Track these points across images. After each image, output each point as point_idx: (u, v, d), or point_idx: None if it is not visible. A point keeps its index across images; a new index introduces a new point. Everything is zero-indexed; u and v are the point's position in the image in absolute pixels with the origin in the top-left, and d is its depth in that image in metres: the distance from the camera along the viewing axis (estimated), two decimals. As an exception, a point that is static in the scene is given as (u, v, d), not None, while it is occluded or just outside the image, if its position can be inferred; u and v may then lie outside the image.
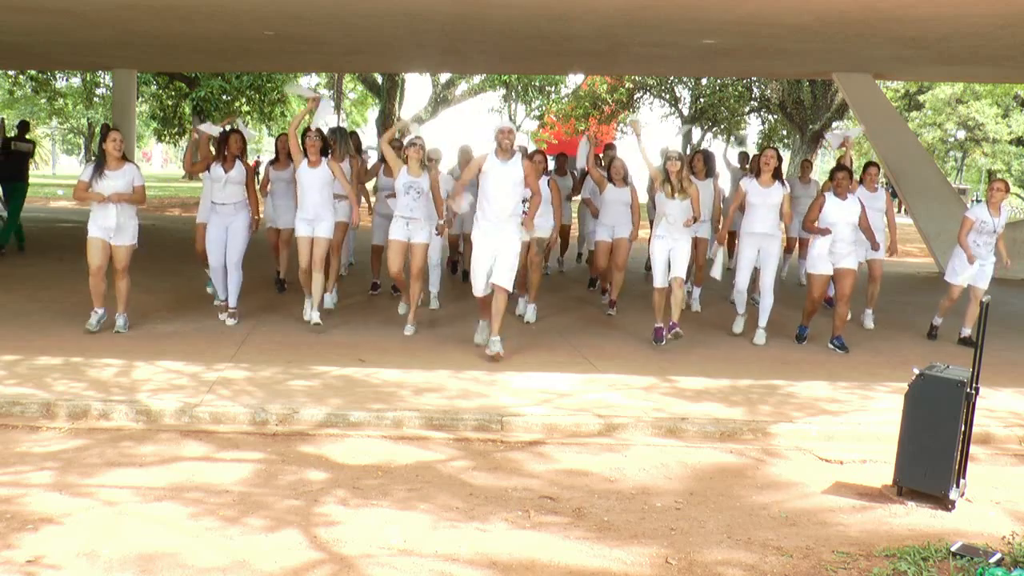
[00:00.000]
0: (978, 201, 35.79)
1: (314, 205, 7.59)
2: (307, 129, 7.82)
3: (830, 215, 7.64)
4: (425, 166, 7.62)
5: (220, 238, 7.74)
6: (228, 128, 7.98)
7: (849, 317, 8.20)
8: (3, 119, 12.78)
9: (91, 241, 7.14)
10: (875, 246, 8.18)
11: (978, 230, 7.99)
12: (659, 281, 7.57)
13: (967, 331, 8.24)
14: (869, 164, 9.01)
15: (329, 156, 7.71)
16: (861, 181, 8.75)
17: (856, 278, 7.89)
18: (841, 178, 7.69)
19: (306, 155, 7.60)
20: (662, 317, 7.60)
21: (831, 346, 7.84)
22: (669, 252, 7.52)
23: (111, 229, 7.09)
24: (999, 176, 34.09)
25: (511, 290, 7.02)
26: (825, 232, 7.60)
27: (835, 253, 7.70)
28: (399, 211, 7.60)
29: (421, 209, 7.56)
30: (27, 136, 12.39)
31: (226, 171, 7.63)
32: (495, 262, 6.88)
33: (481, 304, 7.19)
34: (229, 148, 7.68)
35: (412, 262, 7.62)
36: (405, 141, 7.80)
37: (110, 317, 7.39)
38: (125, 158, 7.20)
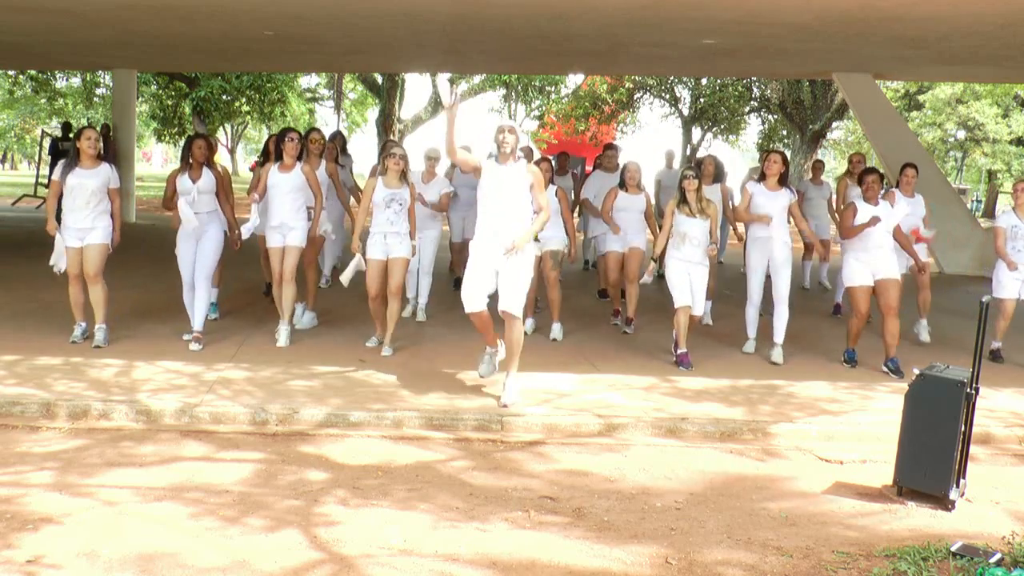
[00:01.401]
0: (979, 202, 35.74)
1: (282, 212, 7.08)
2: (287, 130, 7.32)
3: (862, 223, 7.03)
4: (405, 178, 6.96)
5: (193, 251, 7.14)
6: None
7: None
8: (42, 129, 14.09)
9: (65, 251, 6.80)
10: (921, 266, 7.61)
11: (1012, 236, 7.60)
12: (681, 300, 7.06)
13: (996, 344, 7.76)
14: (907, 166, 8.31)
15: (304, 160, 7.24)
16: (897, 185, 8.26)
17: (902, 288, 7.18)
18: (871, 181, 7.06)
19: (281, 158, 7.13)
20: (683, 339, 7.17)
21: (885, 369, 7.12)
22: (689, 275, 7.08)
23: (84, 231, 6.75)
24: (999, 176, 34.05)
25: (520, 315, 6.01)
26: (873, 222, 6.87)
27: (874, 263, 7.08)
28: (378, 226, 6.88)
29: (402, 223, 6.93)
30: (70, 135, 13.71)
31: (194, 181, 7.01)
32: (500, 280, 5.89)
33: (476, 324, 6.07)
34: (193, 155, 7.07)
35: (391, 278, 6.92)
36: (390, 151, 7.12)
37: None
38: (101, 157, 6.87)
